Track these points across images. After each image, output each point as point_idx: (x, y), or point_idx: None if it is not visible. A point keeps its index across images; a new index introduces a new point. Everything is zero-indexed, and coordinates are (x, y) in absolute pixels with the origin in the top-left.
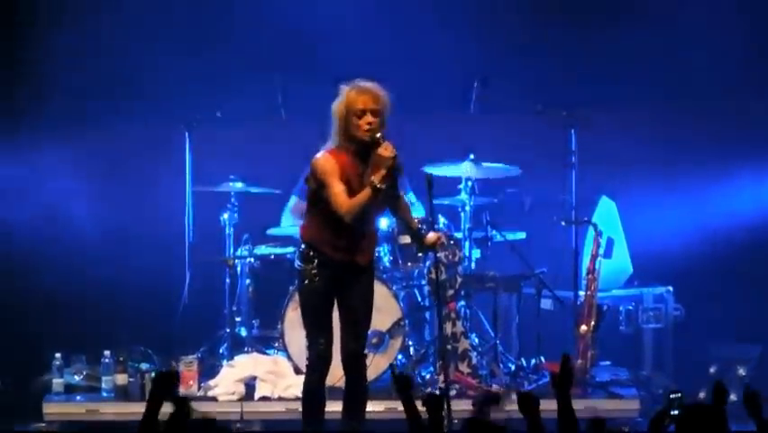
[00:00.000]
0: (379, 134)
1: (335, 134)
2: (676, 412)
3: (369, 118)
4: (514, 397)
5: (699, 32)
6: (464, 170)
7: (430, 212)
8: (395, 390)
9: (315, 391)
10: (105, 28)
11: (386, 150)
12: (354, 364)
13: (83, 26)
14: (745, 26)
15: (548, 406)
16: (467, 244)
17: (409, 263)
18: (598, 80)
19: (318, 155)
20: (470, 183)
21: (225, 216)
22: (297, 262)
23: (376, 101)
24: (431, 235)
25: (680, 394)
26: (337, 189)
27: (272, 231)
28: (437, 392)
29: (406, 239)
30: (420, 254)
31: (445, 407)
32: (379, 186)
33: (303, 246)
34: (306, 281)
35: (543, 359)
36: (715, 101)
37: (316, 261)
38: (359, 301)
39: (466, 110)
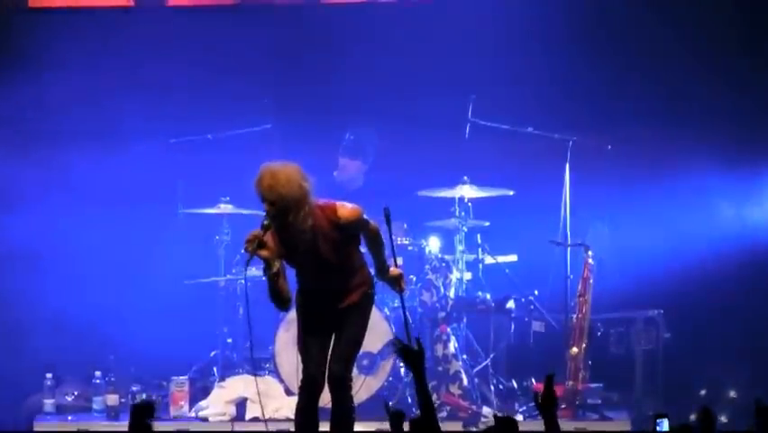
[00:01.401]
0: (266, 221)
1: None
2: None
3: (265, 206)
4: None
5: (692, 55)
6: (458, 192)
7: (391, 247)
8: (390, 426)
9: (306, 412)
10: (98, 47)
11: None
12: (337, 386)
13: (77, 46)
14: (738, 51)
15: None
16: (459, 266)
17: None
18: (591, 104)
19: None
20: (463, 206)
21: (217, 237)
22: (297, 287)
23: (263, 193)
24: (394, 270)
25: (666, 419)
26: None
27: None
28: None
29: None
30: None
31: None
32: (266, 274)
33: None
34: (302, 306)
35: (534, 381)
36: (707, 128)
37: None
38: (347, 326)
39: (460, 133)
